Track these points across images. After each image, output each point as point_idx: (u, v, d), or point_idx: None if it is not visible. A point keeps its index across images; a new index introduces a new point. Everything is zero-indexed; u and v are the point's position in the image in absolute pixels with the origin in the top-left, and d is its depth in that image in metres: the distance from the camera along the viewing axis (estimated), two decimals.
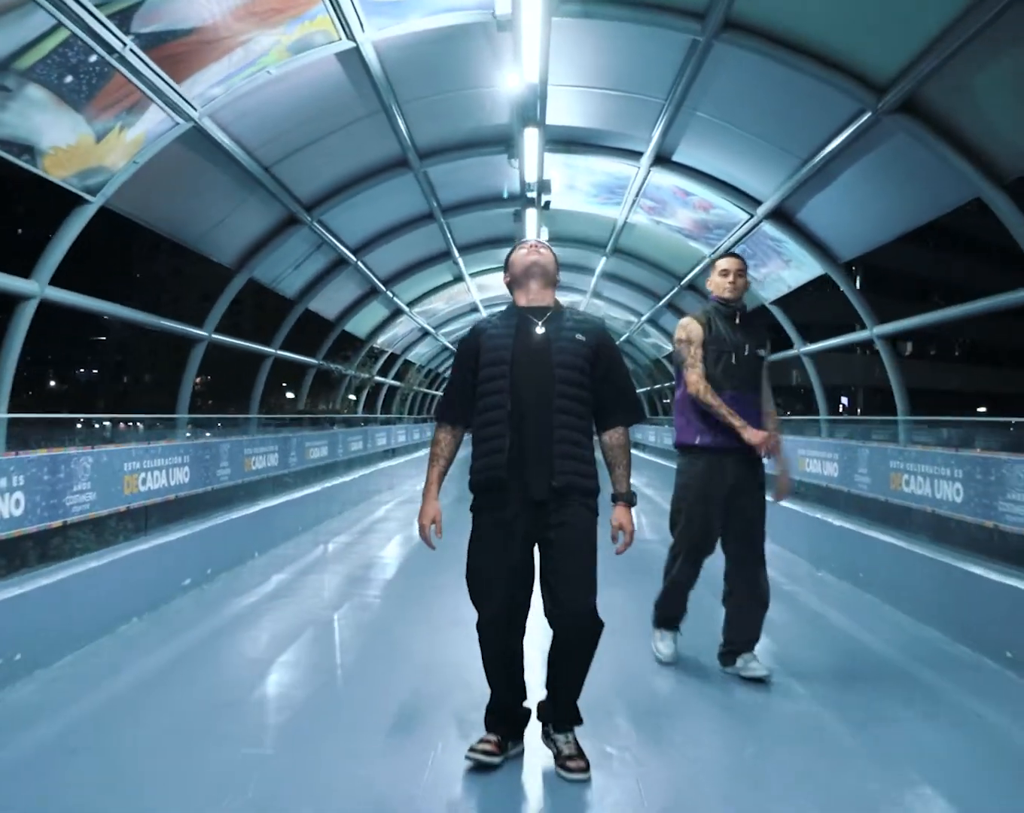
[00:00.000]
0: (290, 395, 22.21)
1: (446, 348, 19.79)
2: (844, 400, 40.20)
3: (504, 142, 7.33)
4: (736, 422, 3.72)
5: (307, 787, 2.68)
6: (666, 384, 17.60)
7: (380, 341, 13.92)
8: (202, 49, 4.46)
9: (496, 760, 2.87)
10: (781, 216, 7.56)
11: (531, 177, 7.41)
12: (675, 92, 6.09)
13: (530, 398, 2.81)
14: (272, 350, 9.31)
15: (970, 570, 4.56)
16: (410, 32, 5.17)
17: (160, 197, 5.66)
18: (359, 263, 9.48)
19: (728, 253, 4.32)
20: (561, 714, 2.94)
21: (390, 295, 11.62)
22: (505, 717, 3.00)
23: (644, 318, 14.29)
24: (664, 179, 7.87)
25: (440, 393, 24.31)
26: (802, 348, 9.37)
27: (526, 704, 3.08)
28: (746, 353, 3.91)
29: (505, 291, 3.17)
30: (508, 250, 3.22)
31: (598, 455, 2.91)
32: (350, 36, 5.01)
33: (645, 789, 2.69)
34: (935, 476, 5.77)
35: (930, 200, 5.93)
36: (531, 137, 6.28)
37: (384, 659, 4.16)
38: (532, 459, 2.78)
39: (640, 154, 7.51)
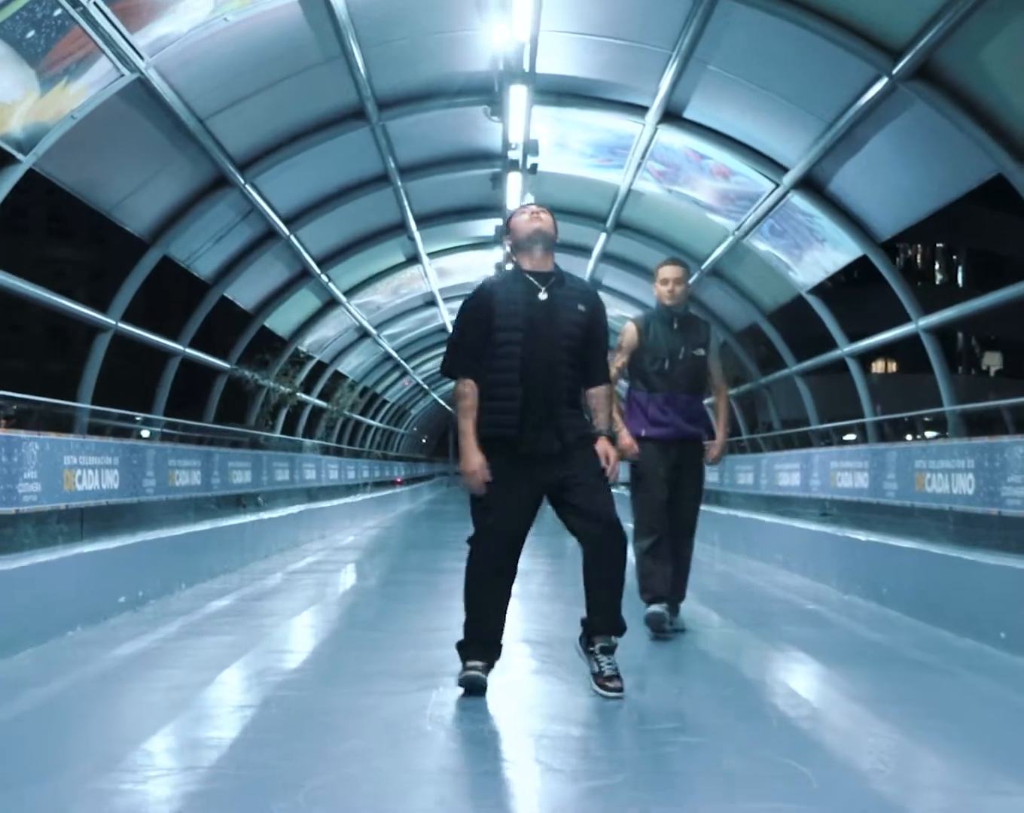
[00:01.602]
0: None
1: (390, 357, 21.36)
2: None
3: (484, 92, 9.04)
4: (619, 426, 5.60)
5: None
6: None
7: (307, 343, 15.53)
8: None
9: (485, 678, 4.39)
10: (811, 186, 9.37)
11: (516, 136, 9.08)
12: (682, 43, 7.87)
13: (539, 362, 4.36)
14: (180, 347, 10.90)
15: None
16: None
17: (85, 156, 7.29)
18: (291, 237, 11.12)
19: (670, 260, 6.21)
20: (607, 622, 4.46)
21: (324, 280, 13.24)
22: (482, 646, 4.48)
23: None
24: (675, 139, 9.64)
25: (385, 425, 25.78)
26: (846, 348, 11.23)
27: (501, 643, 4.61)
28: (681, 356, 5.79)
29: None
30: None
31: None
32: None
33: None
34: None
35: (956, 173, 7.81)
36: (518, 93, 7.93)
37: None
38: (540, 418, 4.39)
39: (645, 109, 9.26)
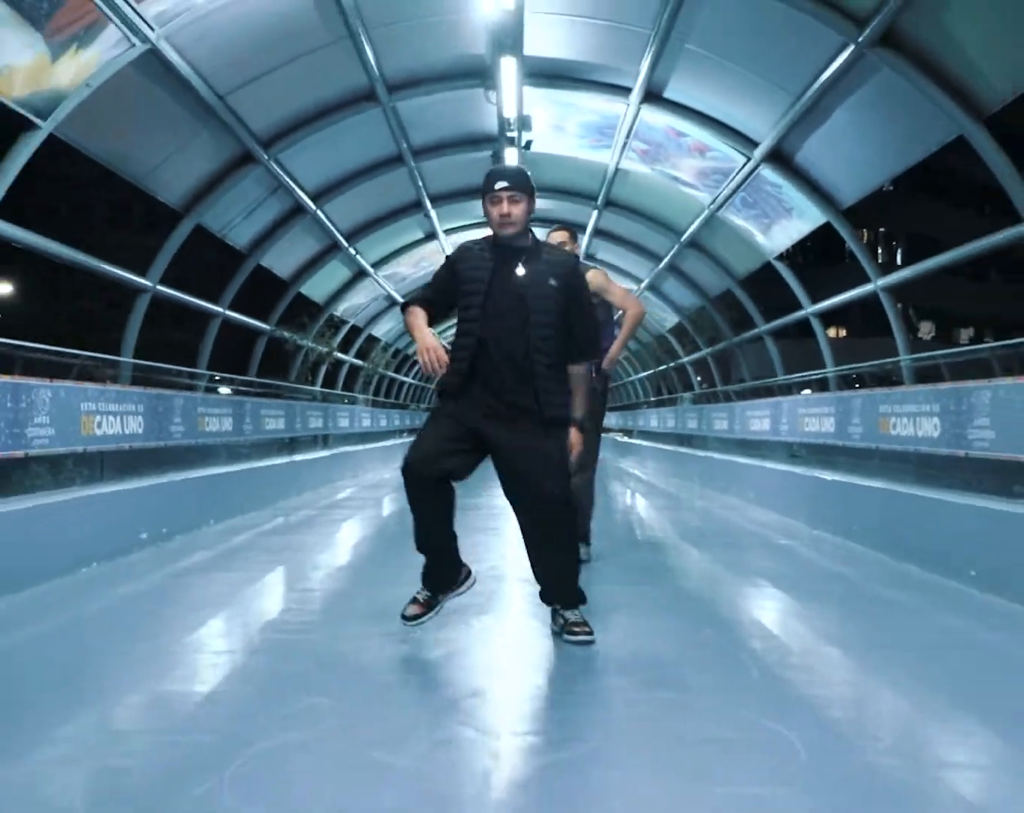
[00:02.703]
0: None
1: None
2: None
3: (480, 74, 8.11)
4: None
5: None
6: (671, 364, 18.42)
7: (341, 309, 14.66)
8: None
9: (421, 621, 3.69)
10: (780, 158, 8.40)
11: (510, 112, 8.18)
12: (661, 20, 6.89)
13: (500, 334, 3.60)
14: (220, 309, 10.04)
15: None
16: None
17: (109, 127, 6.39)
18: (318, 212, 10.22)
19: (559, 226, 5.56)
20: (561, 596, 3.76)
21: (352, 253, 12.36)
22: (431, 573, 3.80)
23: (644, 284, 15.08)
24: (656, 118, 8.67)
25: (411, 380, 25.04)
26: (810, 308, 10.26)
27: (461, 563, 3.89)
28: None
29: None
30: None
31: None
32: None
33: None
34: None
35: (918, 137, 6.80)
36: (508, 66, 7.05)
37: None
38: (496, 388, 3.59)
39: (629, 90, 8.30)
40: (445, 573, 3.81)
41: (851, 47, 6.14)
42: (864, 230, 40.73)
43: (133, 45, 5.70)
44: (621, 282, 16.45)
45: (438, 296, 3.84)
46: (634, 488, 13.61)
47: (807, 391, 12.83)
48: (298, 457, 11.81)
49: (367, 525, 8.77)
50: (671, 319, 16.36)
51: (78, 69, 5.53)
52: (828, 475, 7.73)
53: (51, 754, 2.43)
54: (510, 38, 7.03)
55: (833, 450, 8.94)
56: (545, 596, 3.82)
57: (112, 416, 6.61)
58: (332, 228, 11.01)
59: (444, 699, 3.05)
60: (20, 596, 4.45)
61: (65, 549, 5.09)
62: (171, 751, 2.47)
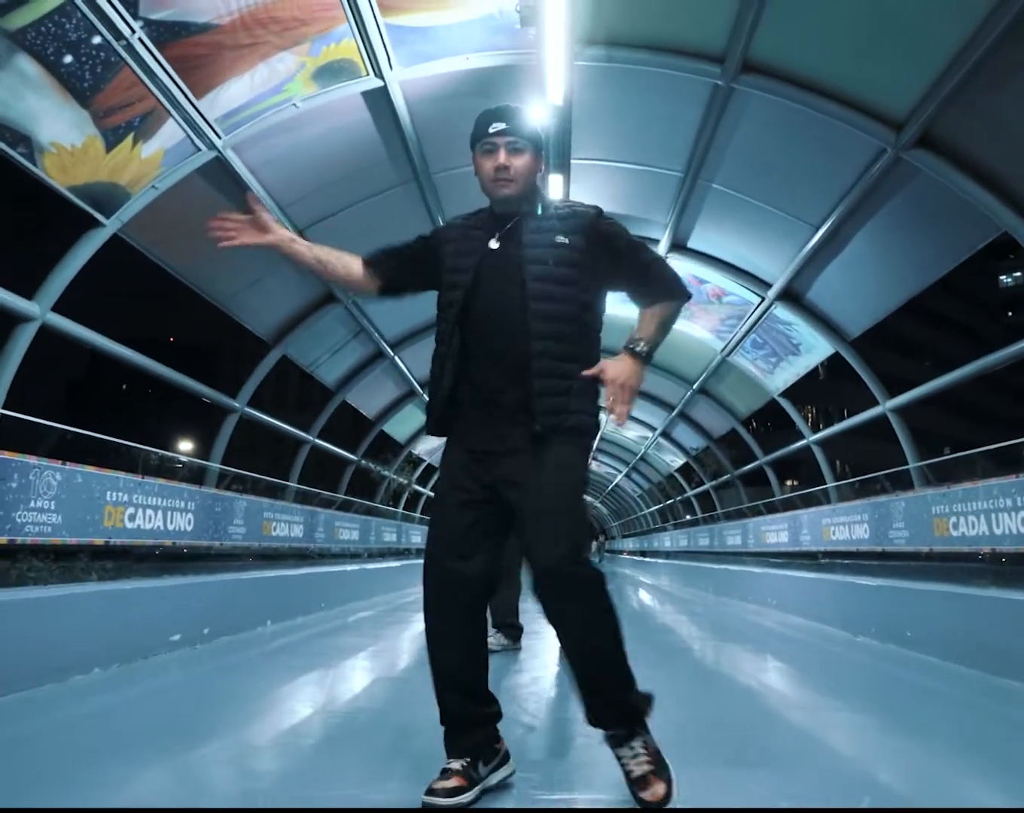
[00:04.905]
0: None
1: None
2: None
3: None
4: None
5: None
6: (677, 498, 15.99)
7: (419, 449, 12.74)
8: (221, 57, 3.63)
9: (466, 799, 1.55)
10: (791, 297, 6.48)
11: None
12: (694, 159, 5.20)
13: (489, 328, 1.73)
14: (310, 437, 8.19)
15: None
16: (437, 74, 4.36)
17: (183, 238, 4.70)
18: (395, 358, 8.48)
19: None
20: (604, 708, 1.62)
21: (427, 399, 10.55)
22: (453, 733, 1.67)
23: (658, 432, 12.96)
24: (680, 266, 6.83)
25: None
26: (812, 437, 8.03)
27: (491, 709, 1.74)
28: None
29: None
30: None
31: None
32: (378, 72, 4.20)
33: None
34: None
35: (948, 245, 4.84)
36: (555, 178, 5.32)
37: None
38: (488, 396, 1.72)
39: (657, 241, 6.56)
40: (476, 730, 1.67)
41: (887, 152, 4.30)
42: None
43: (199, 149, 4.08)
44: (636, 431, 14.50)
45: (395, 260, 1.88)
46: (655, 596, 10.96)
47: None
48: (395, 563, 9.59)
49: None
50: (679, 461, 14.09)
51: (140, 166, 3.89)
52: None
53: None
54: (559, 189, 5.38)
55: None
56: (587, 714, 1.67)
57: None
58: (409, 374, 9.23)
59: None
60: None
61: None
62: None
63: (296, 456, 8.13)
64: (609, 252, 1.77)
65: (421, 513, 15.43)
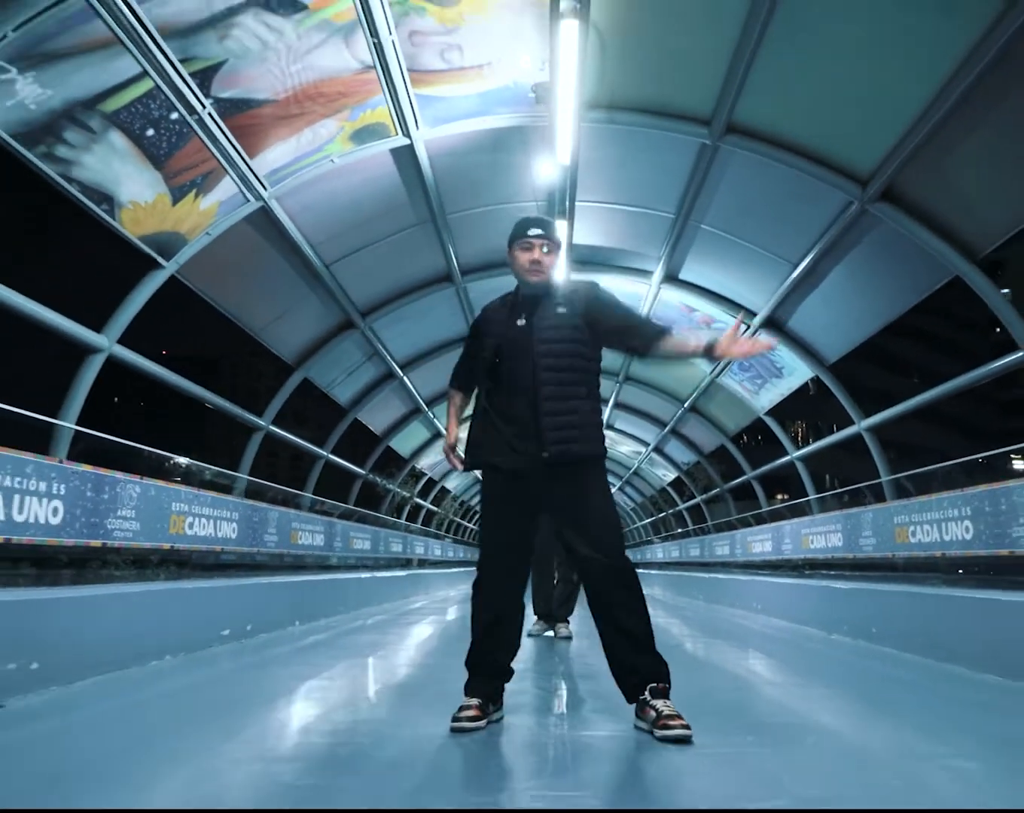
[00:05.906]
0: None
1: (478, 481, 19.02)
2: None
3: None
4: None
5: None
6: (670, 511, 16.53)
7: (421, 463, 13.25)
8: (273, 124, 4.19)
9: (480, 724, 2.21)
10: (774, 325, 7.06)
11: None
12: (685, 203, 5.79)
13: (519, 381, 2.31)
14: (324, 452, 8.70)
15: None
16: (457, 133, 4.93)
17: (227, 276, 5.26)
18: (404, 379, 9.02)
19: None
20: (649, 670, 2.22)
21: (431, 416, 11.08)
22: (484, 672, 2.31)
23: (651, 448, 13.53)
24: (672, 296, 7.46)
25: (472, 526, 23.19)
26: (795, 453, 8.60)
27: (511, 665, 2.40)
28: None
29: None
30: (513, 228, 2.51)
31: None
32: (406, 132, 4.77)
33: None
34: None
35: (910, 286, 5.44)
36: (561, 257, 5.87)
37: None
38: (520, 430, 2.29)
39: (651, 273, 7.16)
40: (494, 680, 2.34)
41: (854, 204, 4.91)
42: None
43: (247, 200, 4.64)
44: (630, 446, 15.07)
45: (469, 370, 2.65)
46: (649, 605, 11.45)
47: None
48: (400, 573, 10.03)
49: (436, 626, 6.91)
50: (671, 474, 14.66)
51: (198, 216, 4.43)
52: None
53: None
54: (567, 231, 5.94)
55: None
56: (624, 688, 2.28)
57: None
58: (415, 393, 9.78)
59: None
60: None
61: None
62: None
63: (311, 470, 8.61)
64: (599, 309, 2.38)
65: (422, 525, 15.92)
